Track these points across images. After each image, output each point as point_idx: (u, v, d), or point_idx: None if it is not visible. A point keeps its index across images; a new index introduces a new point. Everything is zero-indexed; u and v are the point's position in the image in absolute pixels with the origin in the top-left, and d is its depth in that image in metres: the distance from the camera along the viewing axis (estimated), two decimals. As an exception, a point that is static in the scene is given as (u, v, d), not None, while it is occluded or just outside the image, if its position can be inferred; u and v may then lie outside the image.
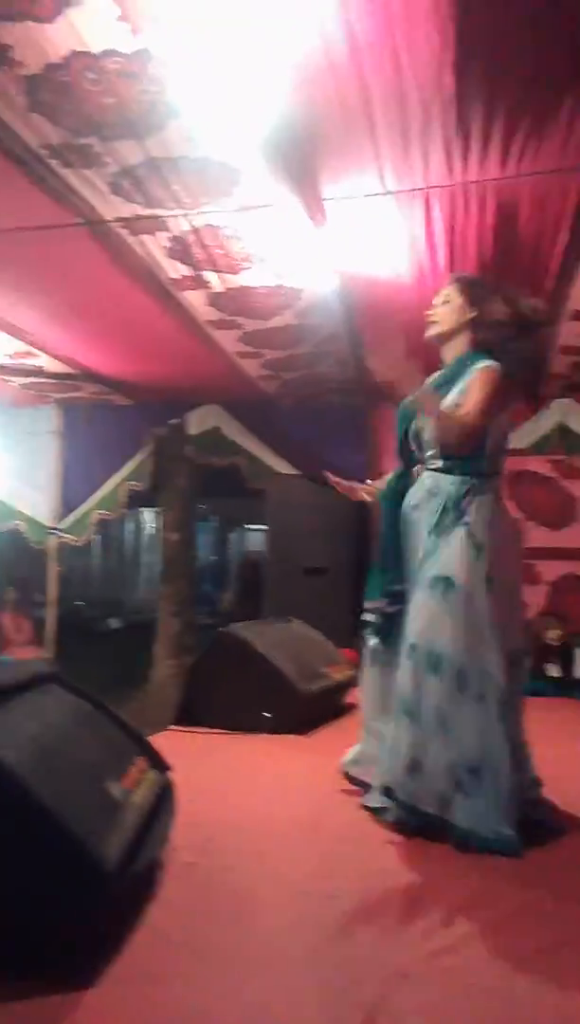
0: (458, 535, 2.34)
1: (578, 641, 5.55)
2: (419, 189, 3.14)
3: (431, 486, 2.50)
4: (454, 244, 3.51)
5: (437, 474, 2.51)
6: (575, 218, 3.31)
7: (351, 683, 4.33)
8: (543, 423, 5.96)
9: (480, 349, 2.56)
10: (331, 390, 5.96)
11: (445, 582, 2.29)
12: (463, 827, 2.16)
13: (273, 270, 3.86)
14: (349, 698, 4.29)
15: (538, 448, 5.95)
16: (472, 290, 2.64)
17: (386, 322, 3.88)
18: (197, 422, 6.34)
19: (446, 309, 2.63)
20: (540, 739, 2.44)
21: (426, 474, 2.57)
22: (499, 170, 2.98)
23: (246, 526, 13.93)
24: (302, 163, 2.94)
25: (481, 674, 2.23)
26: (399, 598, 2.48)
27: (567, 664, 5.30)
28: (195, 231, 3.45)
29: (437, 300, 2.68)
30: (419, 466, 2.67)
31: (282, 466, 6.23)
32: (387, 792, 2.29)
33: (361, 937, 1.64)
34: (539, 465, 5.93)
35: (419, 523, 2.48)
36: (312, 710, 3.70)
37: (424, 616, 2.31)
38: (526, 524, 5.54)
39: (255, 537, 13.68)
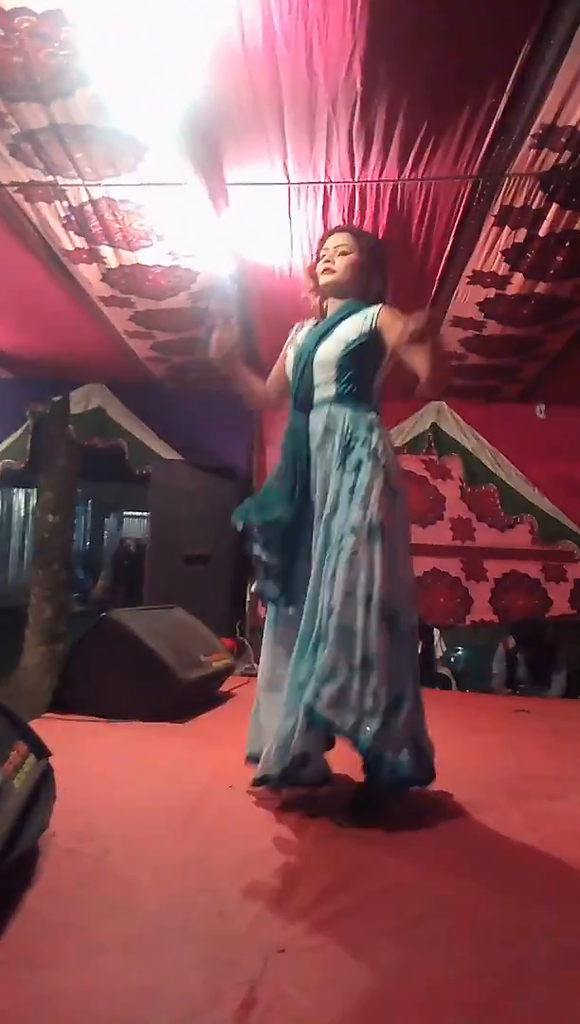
0: (376, 479, 2.29)
1: (445, 635, 5.82)
2: (320, 183, 3.20)
3: (328, 422, 2.39)
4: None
5: (332, 408, 2.40)
6: (460, 227, 3.46)
7: (229, 671, 4.36)
8: (418, 424, 6.20)
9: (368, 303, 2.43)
10: (220, 377, 5.93)
11: (369, 527, 2.25)
12: (381, 750, 2.20)
13: (171, 250, 3.82)
14: (226, 686, 4.34)
15: (412, 448, 6.18)
16: (365, 241, 2.52)
17: (279, 312, 3.89)
18: (80, 401, 6.15)
19: (344, 260, 2.44)
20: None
21: (319, 410, 2.42)
22: (396, 172, 3.08)
23: (125, 512, 13.66)
24: (209, 145, 2.93)
25: (405, 614, 2.30)
26: (284, 541, 2.44)
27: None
28: (94, 203, 3.36)
29: (330, 246, 2.47)
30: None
31: (166, 451, 6.17)
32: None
33: (241, 917, 1.66)
34: (413, 464, 6.16)
35: (322, 463, 2.39)
36: (190, 698, 3.69)
37: (353, 562, 2.25)
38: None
39: (132, 524, 13.44)
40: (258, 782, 2.37)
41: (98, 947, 1.50)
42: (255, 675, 2.80)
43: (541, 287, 3.93)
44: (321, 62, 2.37)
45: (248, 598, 5.90)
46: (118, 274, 4.08)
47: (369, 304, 2.41)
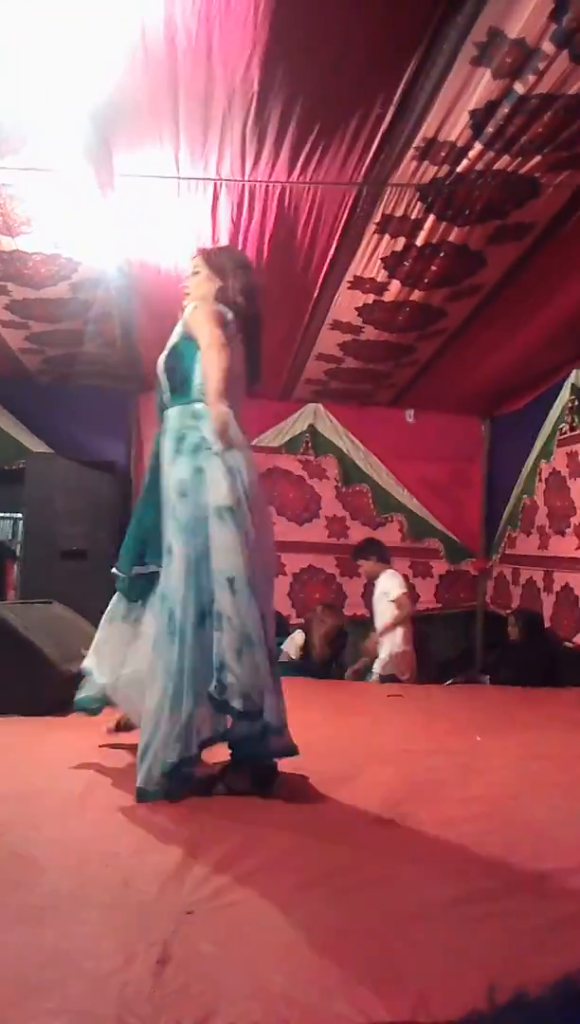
0: (209, 465, 2.41)
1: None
2: (210, 179, 3.25)
3: (165, 423, 2.56)
4: (234, 241, 3.63)
5: (168, 409, 2.57)
6: (343, 232, 3.60)
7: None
8: (296, 425, 6.37)
9: None
10: (97, 372, 5.85)
11: (217, 511, 2.36)
12: (272, 721, 2.35)
13: (53, 238, 3.75)
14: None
15: (289, 447, 6.35)
16: (216, 260, 2.72)
17: (161, 308, 3.91)
18: (-55, 394, 5.90)
19: (195, 280, 2.71)
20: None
21: (164, 414, 2.60)
22: (285, 174, 3.17)
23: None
24: (99, 133, 2.91)
25: (264, 586, 2.43)
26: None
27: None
28: (-28, 185, 3.25)
29: (188, 271, 2.78)
30: None
31: (38, 446, 6.00)
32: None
33: (146, 887, 1.68)
34: (290, 463, 6.33)
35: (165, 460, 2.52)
36: (70, 691, 3.62)
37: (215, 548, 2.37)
38: (276, 519, 5.86)
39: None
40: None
41: (5, 922, 1.48)
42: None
43: (416, 295, 4.14)
44: (220, 59, 2.42)
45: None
46: (-5, 260, 3.96)
47: None
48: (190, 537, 2.37)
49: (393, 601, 5.35)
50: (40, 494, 5.44)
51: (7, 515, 6.12)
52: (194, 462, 2.43)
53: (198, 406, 2.49)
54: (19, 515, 5.77)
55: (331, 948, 1.43)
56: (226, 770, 2.45)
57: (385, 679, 5.24)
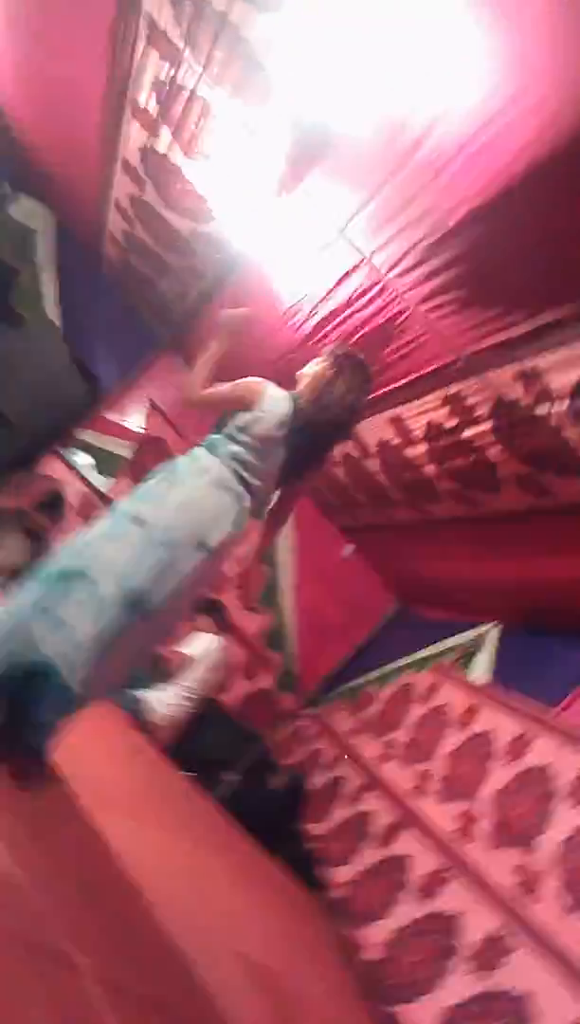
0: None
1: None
2: (363, 256, 3.38)
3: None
4: (331, 319, 3.79)
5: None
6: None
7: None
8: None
9: None
10: (149, 303, 5.87)
11: (200, 544, 2.42)
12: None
13: (212, 185, 3.82)
14: None
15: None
16: (344, 359, 2.70)
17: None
18: None
19: (314, 363, 2.74)
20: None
21: None
22: (420, 303, 3.30)
23: None
24: (321, 146, 3.01)
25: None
26: None
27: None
28: None
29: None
30: None
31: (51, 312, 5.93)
32: None
33: None
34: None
35: None
36: None
37: None
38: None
39: None
40: None
41: None
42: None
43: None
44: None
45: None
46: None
47: None
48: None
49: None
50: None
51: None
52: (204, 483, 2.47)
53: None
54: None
55: None
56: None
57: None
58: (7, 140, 5.15)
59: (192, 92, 3.30)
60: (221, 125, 3.37)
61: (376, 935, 3.23)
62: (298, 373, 2.70)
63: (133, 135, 4.00)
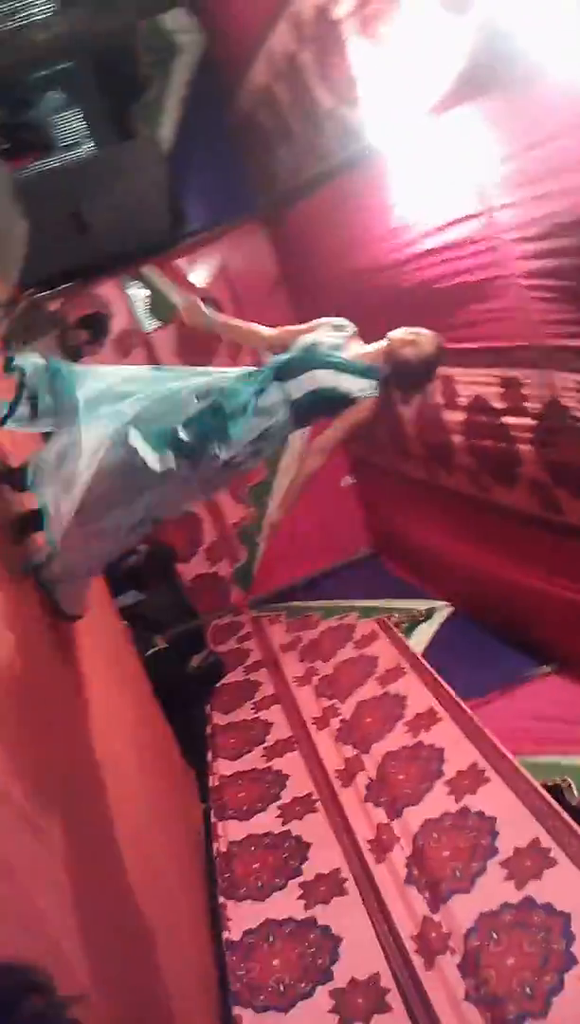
0: None
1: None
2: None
3: None
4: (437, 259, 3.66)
5: None
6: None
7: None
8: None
9: None
10: (259, 168, 5.65)
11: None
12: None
13: (373, 76, 3.62)
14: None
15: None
16: (425, 340, 2.59)
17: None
18: None
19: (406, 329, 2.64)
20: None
21: None
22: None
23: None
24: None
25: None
26: None
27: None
28: None
29: None
30: None
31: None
32: None
33: None
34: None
35: None
36: None
37: None
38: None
39: None
40: None
41: None
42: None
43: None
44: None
45: None
46: None
47: None
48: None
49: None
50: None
51: None
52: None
53: None
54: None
55: None
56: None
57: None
58: None
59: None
60: (408, 16, 3.16)
61: (234, 832, 3.41)
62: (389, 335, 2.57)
63: (315, -11, 3.76)
